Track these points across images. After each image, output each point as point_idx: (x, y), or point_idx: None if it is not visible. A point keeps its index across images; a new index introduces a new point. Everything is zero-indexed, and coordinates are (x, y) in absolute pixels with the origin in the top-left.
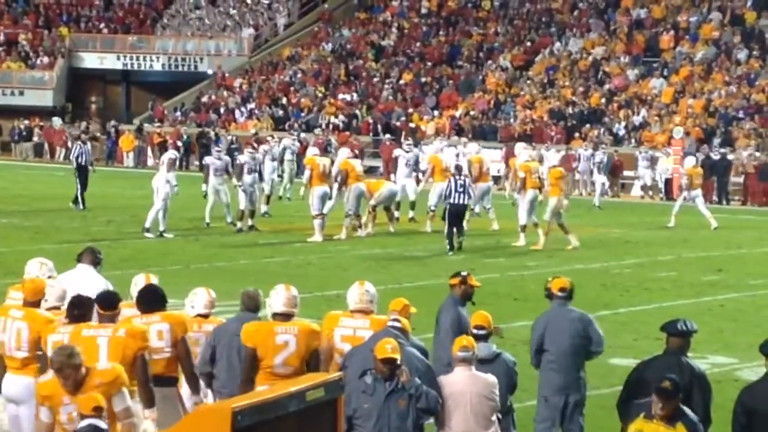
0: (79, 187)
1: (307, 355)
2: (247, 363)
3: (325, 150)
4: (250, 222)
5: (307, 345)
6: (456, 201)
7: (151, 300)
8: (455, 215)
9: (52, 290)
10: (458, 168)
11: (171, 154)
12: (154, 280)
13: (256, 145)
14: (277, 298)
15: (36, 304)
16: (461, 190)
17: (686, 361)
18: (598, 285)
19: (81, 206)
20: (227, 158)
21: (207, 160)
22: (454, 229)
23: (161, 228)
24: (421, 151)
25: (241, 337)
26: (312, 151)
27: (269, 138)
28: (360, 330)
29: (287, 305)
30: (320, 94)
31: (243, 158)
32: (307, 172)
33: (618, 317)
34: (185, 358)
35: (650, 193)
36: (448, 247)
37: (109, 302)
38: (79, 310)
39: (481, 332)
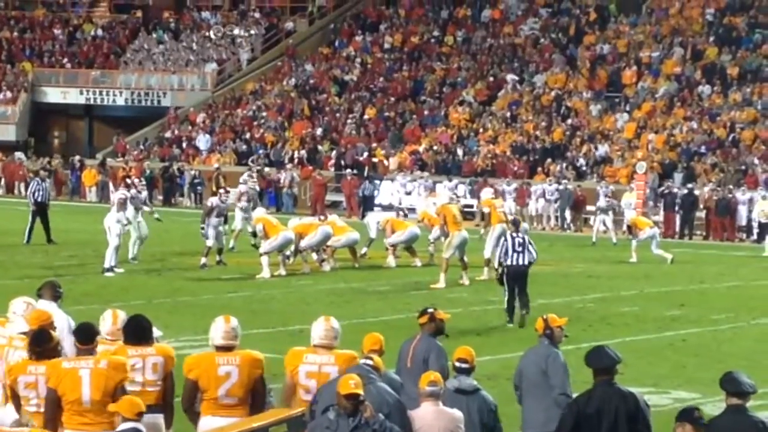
0: (30, 222)
1: (251, 384)
2: (187, 393)
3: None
4: (218, 258)
5: (249, 374)
6: (514, 262)
7: (143, 332)
8: (514, 279)
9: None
10: (515, 222)
11: (121, 193)
12: (122, 315)
13: (228, 189)
14: (216, 331)
15: None
16: (520, 249)
17: (626, 390)
18: None
19: (27, 240)
20: (146, 193)
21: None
22: (515, 298)
23: (113, 263)
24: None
25: (183, 368)
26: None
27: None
28: (325, 366)
29: (226, 338)
30: (283, 128)
31: (214, 201)
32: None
33: (581, 352)
34: (171, 391)
35: (610, 226)
36: (507, 318)
37: (88, 335)
38: (41, 346)
39: (464, 365)
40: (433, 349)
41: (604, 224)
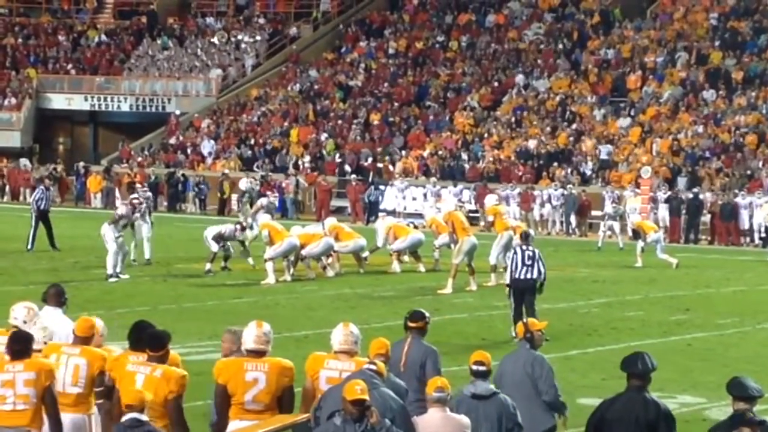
0: (33, 229)
1: (279, 392)
2: (218, 399)
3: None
4: (223, 264)
5: (277, 382)
6: (522, 276)
7: (153, 341)
8: (521, 294)
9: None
10: (525, 236)
11: (122, 210)
12: (98, 323)
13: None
14: (248, 335)
15: (86, 340)
16: (529, 263)
17: (651, 398)
18: (566, 325)
19: (30, 246)
20: (149, 194)
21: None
22: (522, 313)
23: (118, 269)
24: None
25: (213, 372)
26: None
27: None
28: (345, 372)
29: (257, 342)
30: (287, 134)
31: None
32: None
33: (586, 357)
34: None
35: (617, 231)
36: (514, 332)
37: (159, 343)
38: (19, 345)
39: (481, 368)
40: (430, 354)
41: (611, 230)
